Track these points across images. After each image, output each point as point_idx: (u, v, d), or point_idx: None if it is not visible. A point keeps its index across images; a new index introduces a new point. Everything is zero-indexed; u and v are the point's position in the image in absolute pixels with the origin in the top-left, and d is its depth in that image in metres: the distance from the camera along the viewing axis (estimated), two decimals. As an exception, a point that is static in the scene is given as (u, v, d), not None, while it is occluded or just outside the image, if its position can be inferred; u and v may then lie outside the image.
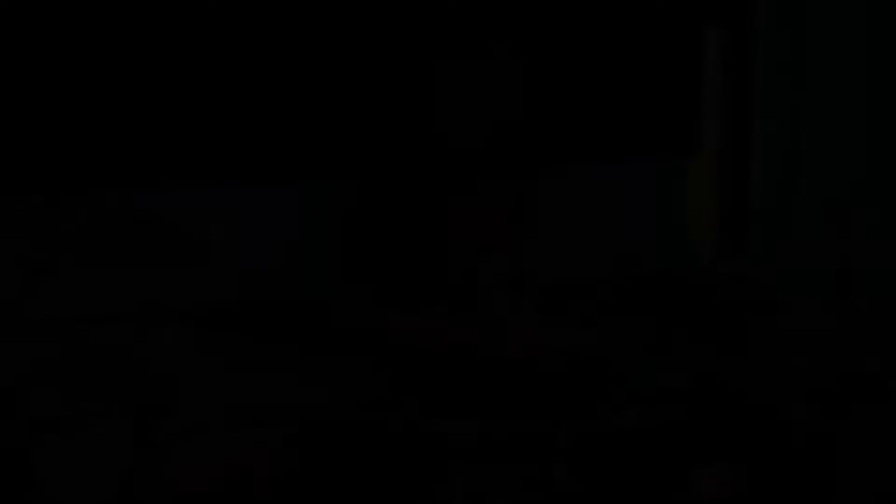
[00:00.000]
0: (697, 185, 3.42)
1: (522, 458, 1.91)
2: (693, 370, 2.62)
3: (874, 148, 3.09)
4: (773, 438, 1.93)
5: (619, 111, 3.30)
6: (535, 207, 3.06)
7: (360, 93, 2.98)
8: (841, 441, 2.45)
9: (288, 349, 1.89)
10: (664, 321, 3.39)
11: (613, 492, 1.96)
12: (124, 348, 1.66)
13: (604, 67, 3.27)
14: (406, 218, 2.80)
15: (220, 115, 2.98)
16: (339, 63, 2.95)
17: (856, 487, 2.08)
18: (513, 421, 2.07)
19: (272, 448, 2.07)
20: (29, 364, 1.62)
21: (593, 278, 3.40)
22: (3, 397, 2.00)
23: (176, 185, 2.98)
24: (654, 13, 3.25)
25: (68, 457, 2.85)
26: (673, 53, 3.33)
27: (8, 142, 2.84)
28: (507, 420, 2.07)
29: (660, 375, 3.07)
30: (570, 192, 3.31)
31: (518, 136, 2.95)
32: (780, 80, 3.37)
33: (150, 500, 1.64)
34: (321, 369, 1.89)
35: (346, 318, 2.85)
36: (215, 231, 3.03)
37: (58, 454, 2.81)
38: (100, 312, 2.62)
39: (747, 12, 3.29)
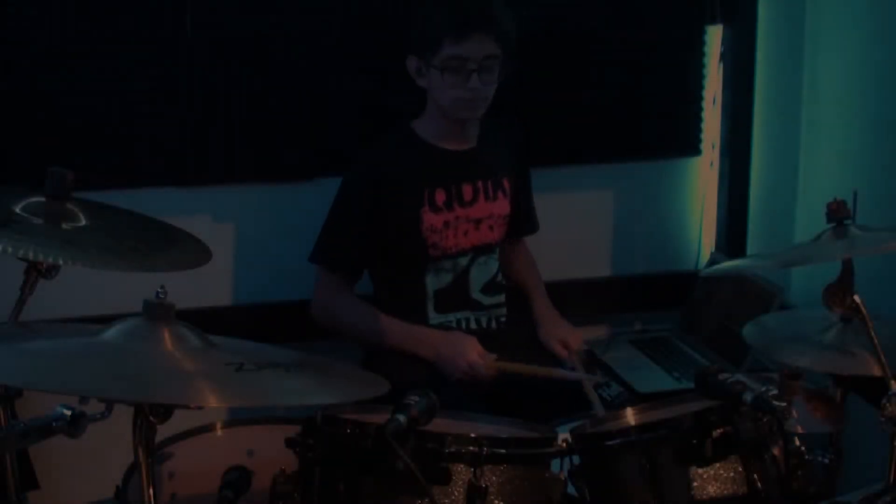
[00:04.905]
0: (698, 185, 3.42)
1: (523, 458, 1.91)
2: (693, 370, 2.62)
3: (875, 147, 3.09)
4: (772, 438, 1.93)
5: (617, 113, 3.30)
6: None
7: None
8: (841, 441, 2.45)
9: (288, 349, 1.88)
10: (664, 321, 3.39)
11: (614, 492, 1.96)
12: (125, 348, 1.66)
13: (602, 68, 3.27)
14: None
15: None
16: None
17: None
18: (513, 421, 2.06)
19: (272, 448, 2.07)
20: (29, 363, 1.61)
21: (593, 278, 3.40)
22: (4, 397, 1.99)
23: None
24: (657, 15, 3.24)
25: (68, 457, 2.85)
26: (670, 53, 3.32)
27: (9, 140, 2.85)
28: (508, 420, 2.07)
29: (660, 375, 3.07)
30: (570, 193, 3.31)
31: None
32: (780, 80, 3.37)
33: (149, 500, 1.64)
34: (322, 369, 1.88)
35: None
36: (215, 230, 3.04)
37: (58, 454, 2.80)
38: (100, 312, 2.61)
39: (748, 11, 3.29)
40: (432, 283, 2.77)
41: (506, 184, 2.85)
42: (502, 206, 2.84)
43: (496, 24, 2.62)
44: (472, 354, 2.62)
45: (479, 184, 2.80)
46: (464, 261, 2.79)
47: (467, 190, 2.78)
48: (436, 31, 2.61)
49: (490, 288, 2.84)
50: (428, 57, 2.63)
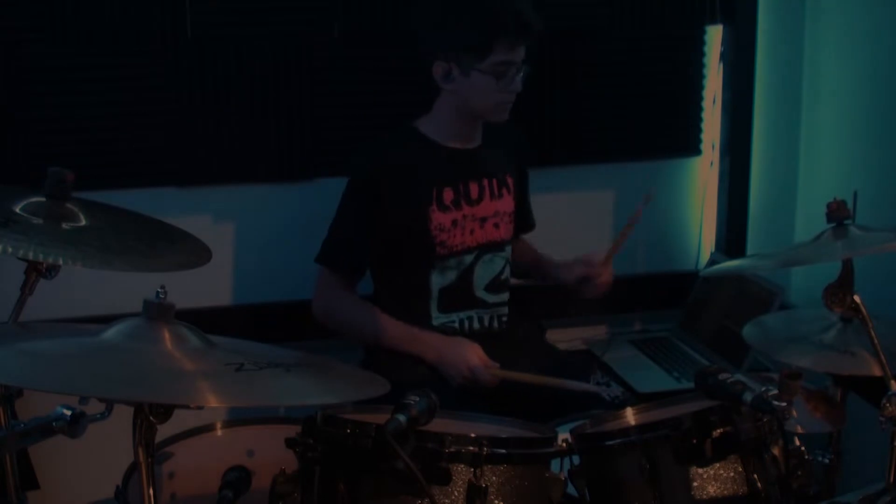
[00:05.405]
0: (698, 185, 3.43)
1: (523, 458, 1.91)
2: (693, 370, 2.62)
3: (875, 147, 3.09)
4: (772, 438, 1.93)
5: (618, 112, 3.30)
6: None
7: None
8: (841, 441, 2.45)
9: (288, 349, 1.88)
10: (664, 321, 3.39)
11: (614, 492, 1.96)
12: (125, 348, 1.66)
13: (602, 68, 3.27)
14: None
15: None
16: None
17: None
18: (513, 421, 2.06)
19: (272, 448, 2.07)
20: (29, 363, 1.61)
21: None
22: (4, 397, 2.00)
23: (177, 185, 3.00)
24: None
25: (68, 457, 2.85)
26: (670, 53, 3.32)
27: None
28: (508, 420, 2.07)
29: (660, 375, 3.07)
30: (571, 192, 3.31)
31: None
32: (780, 80, 3.37)
33: (149, 500, 1.64)
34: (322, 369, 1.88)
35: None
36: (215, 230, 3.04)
37: (58, 454, 2.80)
38: (100, 312, 2.61)
39: (748, 11, 3.29)
40: (437, 281, 2.77)
41: (510, 182, 2.85)
42: (507, 204, 2.85)
43: (537, 30, 2.65)
44: (475, 360, 2.61)
45: (485, 182, 2.81)
46: (469, 259, 2.80)
47: (474, 188, 2.78)
48: (489, 37, 2.61)
49: (495, 286, 2.84)
50: (469, 62, 2.63)
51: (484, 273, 2.82)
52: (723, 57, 3.33)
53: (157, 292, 1.71)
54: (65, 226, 1.99)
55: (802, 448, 2.05)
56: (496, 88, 2.64)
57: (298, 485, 1.93)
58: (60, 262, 1.87)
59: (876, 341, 2.13)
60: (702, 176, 3.42)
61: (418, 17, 2.75)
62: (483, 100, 2.68)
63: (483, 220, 2.80)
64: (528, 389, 2.62)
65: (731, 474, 1.89)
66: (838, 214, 2.18)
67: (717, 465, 1.89)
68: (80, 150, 2.89)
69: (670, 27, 3.28)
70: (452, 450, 1.85)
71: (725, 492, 1.88)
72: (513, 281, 2.91)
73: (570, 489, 1.97)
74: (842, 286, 2.15)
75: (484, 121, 2.77)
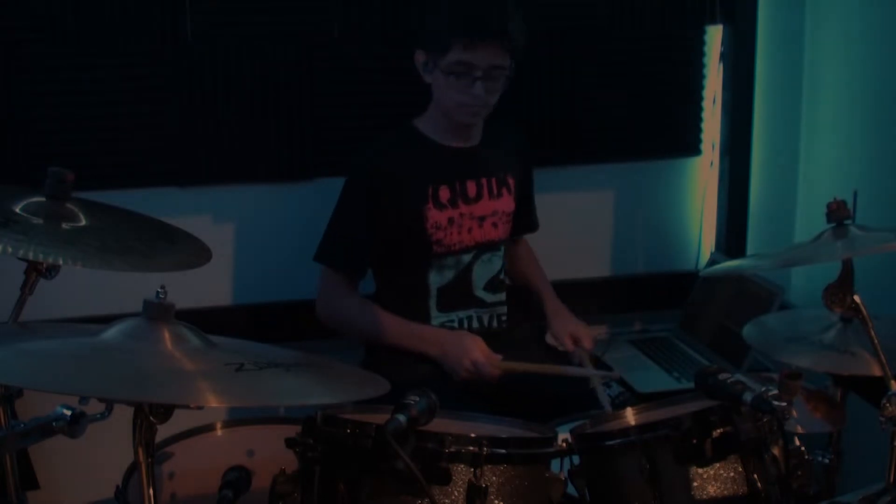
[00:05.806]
0: (698, 185, 3.42)
1: (523, 458, 1.91)
2: (693, 370, 2.61)
3: (875, 147, 3.09)
4: (772, 438, 1.93)
5: (617, 112, 3.30)
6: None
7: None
8: (841, 440, 2.45)
9: (288, 349, 1.88)
10: (664, 321, 3.39)
11: (614, 492, 1.96)
12: (125, 348, 1.65)
13: (602, 68, 3.27)
14: None
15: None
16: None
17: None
18: (513, 421, 2.06)
19: (272, 448, 2.07)
20: (29, 363, 1.61)
21: (593, 278, 3.39)
22: (4, 397, 1.99)
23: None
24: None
25: (68, 457, 2.85)
26: (670, 53, 3.32)
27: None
28: (508, 420, 2.07)
29: (660, 375, 3.07)
30: (570, 193, 3.31)
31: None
32: (780, 80, 3.37)
33: (149, 500, 1.64)
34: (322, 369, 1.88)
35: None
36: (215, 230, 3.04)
37: (58, 454, 2.80)
38: (100, 312, 2.62)
39: (748, 11, 3.29)
40: (435, 280, 2.77)
41: (510, 182, 2.85)
42: (507, 204, 2.85)
43: (508, 36, 2.62)
44: (477, 354, 2.62)
45: (483, 181, 2.81)
46: (467, 258, 2.80)
47: (471, 187, 2.78)
48: (447, 34, 2.60)
49: (493, 285, 2.84)
50: (435, 57, 2.64)
51: (483, 272, 2.82)
52: (723, 57, 3.33)
53: (157, 292, 1.71)
54: (65, 226, 1.99)
55: (802, 448, 2.05)
56: (451, 87, 2.64)
57: (298, 485, 1.93)
58: (60, 262, 1.87)
59: (876, 341, 2.13)
60: (702, 176, 3.42)
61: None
62: (443, 97, 2.69)
63: (481, 218, 2.80)
64: (528, 389, 2.62)
65: (731, 474, 1.89)
66: (838, 214, 2.18)
67: (717, 465, 1.89)
68: (80, 150, 2.89)
69: (670, 27, 3.28)
70: (452, 450, 1.84)
71: (725, 492, 1.88)
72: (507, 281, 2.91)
73: (570, 489, 1.97)
74: (842, 286, 2.15)
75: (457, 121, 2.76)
